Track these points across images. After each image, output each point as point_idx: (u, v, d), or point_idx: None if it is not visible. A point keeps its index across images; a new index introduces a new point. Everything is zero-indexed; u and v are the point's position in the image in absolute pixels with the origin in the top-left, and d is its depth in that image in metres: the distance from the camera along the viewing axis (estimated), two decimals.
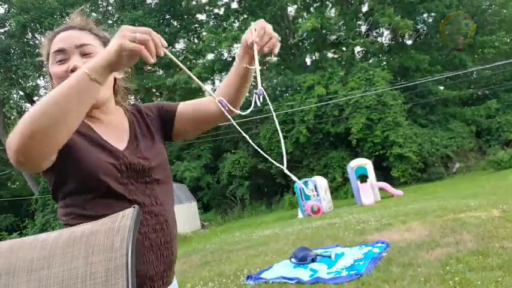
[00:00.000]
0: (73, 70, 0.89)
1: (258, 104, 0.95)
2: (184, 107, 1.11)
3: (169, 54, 0.84)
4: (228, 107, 0.99)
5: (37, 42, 22.79)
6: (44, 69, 1.05)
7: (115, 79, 1.02)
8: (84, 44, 0.94)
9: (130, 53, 0.76)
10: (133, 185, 0.93)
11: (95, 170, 0.87)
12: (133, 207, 0.67)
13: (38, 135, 0.71)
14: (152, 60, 0.79)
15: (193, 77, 0.92)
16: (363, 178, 11.42)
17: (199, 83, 0.95)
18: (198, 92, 22.59)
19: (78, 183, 0.88)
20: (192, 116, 1.11)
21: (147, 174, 0.95)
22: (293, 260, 4.54)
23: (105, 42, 0.97)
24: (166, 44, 0.81)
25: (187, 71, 0.92)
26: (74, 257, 0.59)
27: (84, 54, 0.93)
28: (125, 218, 0.64)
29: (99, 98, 0.93)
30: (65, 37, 0.94)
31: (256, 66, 0.99)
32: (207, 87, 1.02)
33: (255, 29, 0.99)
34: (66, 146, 0.81)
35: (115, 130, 0.99)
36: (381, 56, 21.83)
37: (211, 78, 23.08)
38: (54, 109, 0.72)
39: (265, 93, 0.95)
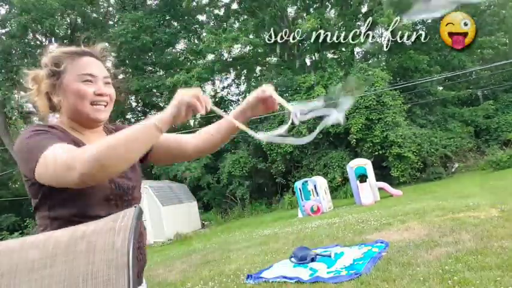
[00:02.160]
0: (99, 94, 1.07)
1: (295, 122, 1.10)
2: (164, 138, 1.22)
3: (214, 108, 1.03)
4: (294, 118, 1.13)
5: (38, 42, 22.81)
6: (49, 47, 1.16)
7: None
8: (107, 76, 1.12)
9: (188, 106, 0.94)
10: (117, 202, 1.05)
11: (98, 188, 0.99)
12: (135, 206, 0.69)
13: (107, 167, 0.85)
14: (203, 112, 0.97)
15: (238, 123, 1.13)
16: (363, 178, 11.44)
17: (242, 127, 1.15)
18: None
19: (74, 196, 0.96)
20: (170, 149, 1.24)
21: (129, 194, 1.08)
22: (293, 259, 4.57)
23: (113, 78, 1.16)
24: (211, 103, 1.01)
25: (233, 119, 1.16)
26: (76, 256, 0.60)
27: (106, 83, 1.11)
28: (126, 218, 0.65)
29: (106, 119, 1.12)
30: (96, 65, 1.10)
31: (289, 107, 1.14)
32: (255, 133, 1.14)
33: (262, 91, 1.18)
34: None
35: None
36: (380, 56, 21.85)
37: (211, 78, 23.09)
38: (123, 148, 0.87)
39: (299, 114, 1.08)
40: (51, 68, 1.08)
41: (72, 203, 0.97)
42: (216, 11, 24.28)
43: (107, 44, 1.20)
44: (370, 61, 21.05)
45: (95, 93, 1.07)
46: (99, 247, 0.60)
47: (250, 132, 1.14)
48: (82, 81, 1.06)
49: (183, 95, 0.95)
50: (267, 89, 1.17)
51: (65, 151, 0.89)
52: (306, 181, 12.18)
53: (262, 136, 1.14)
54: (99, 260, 0.59)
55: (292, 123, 1.07)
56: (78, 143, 1.02)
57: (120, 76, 25.70)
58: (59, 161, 0.86)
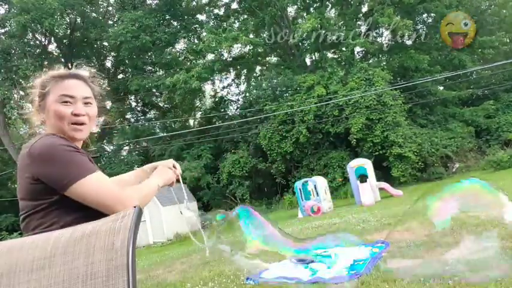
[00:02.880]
0: (77, 115, 1.16)
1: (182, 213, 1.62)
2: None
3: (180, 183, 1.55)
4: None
5: (37, 42, 22.81)
6: (44, 69, 1.30)
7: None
8: (88, 97, 1.21)
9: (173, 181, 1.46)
10: None
11: None
12: (134, 207, 0.67)
13: (142, 205, 1.08)
14: (174, 185, 1.53)
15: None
16: (363, 178, 11.43)
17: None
18: (198, 92, 22.62)
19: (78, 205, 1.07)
20: None
21: None
22: (293, 259, 4.55)
23: (95, 94, 1.26)
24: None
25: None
26: (75, 256, 0.60)
27: (86, 103, 1.20)
28: (125, 218, 0.65)
29: (85, 137, 1.24)
30: (76, 86, 1.19)
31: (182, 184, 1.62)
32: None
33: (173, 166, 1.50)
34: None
35: None
36: (380, 56, 21.84)
37: (211, 78, 23.07)
38: (149, 197, 1.22)
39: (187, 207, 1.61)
40: (39, 89, 1.20)
41: (81, 210, 1.06)
42: (216, 11, 24.28)
43: (94, 70, 1.32)
44: (370, 61, 21.03)
45: (72, 114, 1.16)
46: (99, 247, 0.60)
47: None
48: (61, 102, 1.16)
49: (170, 173, 1.45)
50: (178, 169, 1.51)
51: (115, 184, 1.11)
52: (306, 181, 12.17)
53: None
54: (98, 260, 0.58)
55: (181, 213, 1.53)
56: (90, 160, 1.17)
57: (120, 76, 25.72)
58: (112, 193, 1.06)
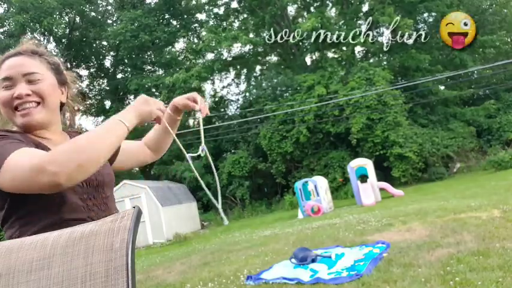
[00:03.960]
0: (17, 97, 0.96)
1: (202, 155, 1.21)
2: (126, 146, 1.24)
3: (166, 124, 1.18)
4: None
5: (36, 41, 22.73)
6: None
7: (61, 103, 1.09)
8: (30, 72, 0.99)
9: (153, 115, 1.05)
10: (91, 200, 0.99)
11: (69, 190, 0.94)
12: (134, 207, 0.66)
13: (82, 165, 0.82)
14: (165, 123, 1.15)
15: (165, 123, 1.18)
16: (363, 178, 11.40)
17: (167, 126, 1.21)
18: (197, 92, 22.58)
19: (40, 201, 0.90)
20: (133, 152, 1.28)
21: (101, 190, 1.03)
22: (293, 260, 4.52)
23: (53, 67, 1.05)
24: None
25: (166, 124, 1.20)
26: (74, 257, 0.59)
27: (30, 81, 0.99)
28: (124, 219, 0.64)
29: (42, 119, 1.01)
30: (13, 64, 0.99)
31: (201, 127, 1.25)
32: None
33: (187, 98, 1.22)
34: None
35: None
36: (381, 55, 21.81)
37: (211, 78, 23.05)
38: (96, 144, 0.86)
39: (206, 150, 1.21)
40: None
41: (45, 212, 0.91)
42: (216, 10, 24.24)
43: (36, 39, 1.14)
44: (371, 60, 20.99)
45: (13, 97, 0.97)
46: (98, 248, 0.59)
47: (173, 135, 1.26)
48: (2, 87, 0.98)
49: (151, 104, 1.05)
50: (192, 105, 1.20)
51: (34, 155, 0.85)
52: (307, 181, 12.14)
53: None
54: (97, 261, 0.58)
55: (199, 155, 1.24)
56: (42, 147, 0.96)
57: (119, 76, 25.71)
58: (27, 165, 0.82)
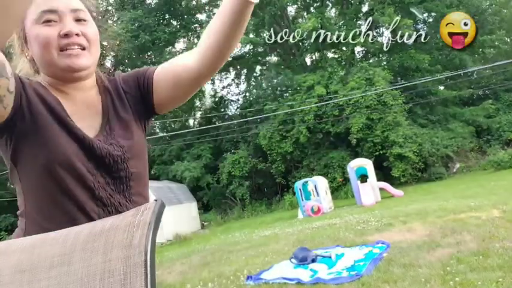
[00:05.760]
0: (67, 35, 0.82)
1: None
2: (163, 71, 0.96)
3: None
4: None
5: None
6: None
7: (102, 45, 0.93)
8: (79, 9, 0.85)
9: None
10: (103, 178, 0.84)
11: (64, 152, 0.79)
12: (155, 200, 0.65)
13: None
14: None
15: None
16: (363, 178, 11.40)
17: None
18: (198, 92, 22.59)
19: (40, 168, 0.79)
20: (173, 80, 0.94)
21: (121, 167, 0.85)
22: (293, 260, 4.53)
23: (89, 8, 0.89)
24: None
25: None
26: (93, 253, 0.58)
27: (78, 20, 0.84)
28: (145, 212, 0.62)
29: (88, 67, 0.86)
30: None
31: None
32: None
33: None
34: (29, 112, 0.79)
35: (87, 111, 0.89)
36: (381, 55, 21.80)
37: (211, 78, 23.03)
38: None
39: None
40: None
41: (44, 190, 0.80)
42: (216, 10, 24.22)
43: None
44: (370, 60, 20.99)
45: (60, 35, 0.81)
46: (117, 244, 0.58)
47: None
48: (42, 22, 0.82)
49: None
50: None
51: None
52: (307, 181, 12.14)
53: None
54: (116, 258, 0.56)
55: None
56: (54, 105, 0.83)
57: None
58: None
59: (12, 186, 0.92)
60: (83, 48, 0.84)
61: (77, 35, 0.83)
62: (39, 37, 0.82)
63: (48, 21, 0.82)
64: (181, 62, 0.95)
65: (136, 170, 0.88)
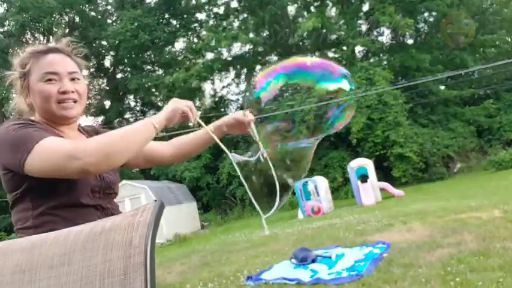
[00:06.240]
0: (64, 92, 1.06)
1: (261, 159, 1.24)
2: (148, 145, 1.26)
3: (199, 120, 1.19)
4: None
5: (36, 41, 22.75)
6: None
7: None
8: (74, 71, 1.10)
9: (181, 113, 1.11)
10: (100, 194, 1.09)
11: (85, 179, 1.03)
12: (155, 200, 0.64)
13: (111, 158, 0.93)
14: (193, 120, 1.14)
15: (215, 137, 1.26)
16: (364, 178, 11.37)
17: (218, 141, 1.28)
18: (197, 92, 22.58)
19: (64, 186, 1.00)
20: (152, 154, 1.30)
21: (111, 188, 1.13)
22: (293, 260, 4.51)
23: (81, 68, 1.15)
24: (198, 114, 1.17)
25: (211, 132, 1.26)
26: (94, 253, 0.58)
27: (72, 79, 1.09)
28: (145, 213, 0.62)
29: (78, 115, 1.12)
30: (58, 61, 1.09)
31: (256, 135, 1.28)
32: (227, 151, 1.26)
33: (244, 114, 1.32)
34: None
35: None
36: (381, 55, 21.79)
37: (211, 77, 23.03)
38: (125, 141, 0.98)
39: (266, 154, 1.23)
40: (19, 69, 1.11)
41: (61, 193, 1.00)
42: (216, 10, 24.21)
43: (70, 38, 1.18)
44: (371, 60, 20.97)
45: (59, 92, 1.06)
46: (117, 244, 0.58)
47: (224, 148, 1.25)
48: (45, 80, 1.06)
49: (178, 102, 1.12)
50: (248, 116, 1.32)
51: (67, 142, 0.95)
52: (307, 181, 12.11)
53: (234, 157, 1.28)
54: (116, 258, 0.57)
55: (258, 159, 1.23)
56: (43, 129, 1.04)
57: (119, 76, 25.69)
58: (60, 151, 0.91)
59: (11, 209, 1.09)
60: (75, 101, 1.09)
61: (72, 92, 1.08)
62: (43, 92, 1.06)
63: (50, 80, 1.06)
64: (159, 150, 1.33)
65: (116, 192, 1.17)
